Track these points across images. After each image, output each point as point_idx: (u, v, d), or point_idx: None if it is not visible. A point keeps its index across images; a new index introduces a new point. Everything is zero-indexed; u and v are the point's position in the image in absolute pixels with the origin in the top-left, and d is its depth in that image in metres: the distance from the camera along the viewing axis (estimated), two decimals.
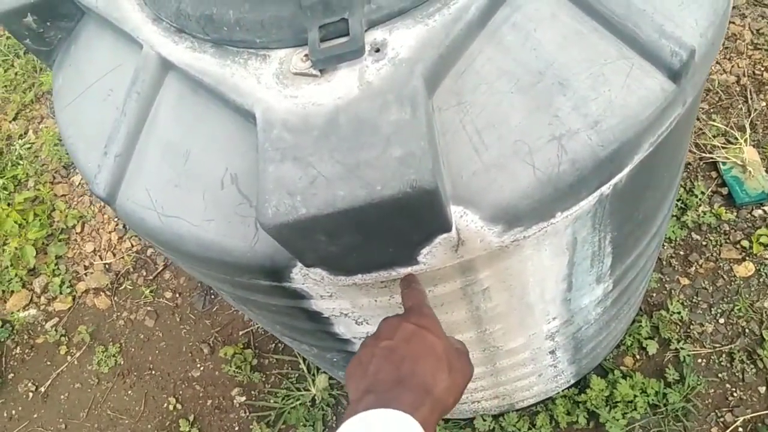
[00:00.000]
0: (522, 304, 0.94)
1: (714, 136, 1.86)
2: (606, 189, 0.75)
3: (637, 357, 1.63)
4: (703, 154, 1.83)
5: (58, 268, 2.35)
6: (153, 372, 2.07)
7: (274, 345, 1.98)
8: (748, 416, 1.50)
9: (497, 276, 0.83)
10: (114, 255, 2.33)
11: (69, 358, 2.18)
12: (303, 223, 0.61)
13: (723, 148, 1.82)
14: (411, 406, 0.58)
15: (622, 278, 1.13)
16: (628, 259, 1.06)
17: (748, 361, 1.57)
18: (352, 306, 0.86)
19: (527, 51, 0.70)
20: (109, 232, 2.37)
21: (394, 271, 0.74)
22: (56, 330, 2.23)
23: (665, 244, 1.74)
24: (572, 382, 1.55)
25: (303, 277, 0.76)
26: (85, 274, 2.32)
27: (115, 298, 2.25)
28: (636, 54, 0.70)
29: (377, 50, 0.69)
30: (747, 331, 1.61)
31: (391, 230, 0.65)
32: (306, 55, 0.70)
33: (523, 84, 0.69)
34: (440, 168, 0.65)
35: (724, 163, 1.79)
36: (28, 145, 2.70)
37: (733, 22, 2.13)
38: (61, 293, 2.30)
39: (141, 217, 0.82)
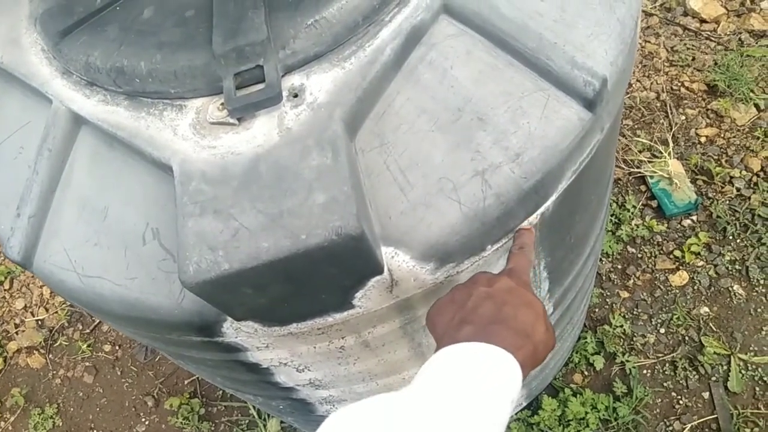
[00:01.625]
0: None
1: (640, 151, 1.93)
2: (533, 219, 0.75)
3: (586, 373, 1.65)
4: (632, 169, 1.90)
5: None
6: (95, 431, 1.96)
7: (221, 392, 1.91)
8: (695, 422, 1.53)
9: None
10: (47, 310, 2.22)
11: (2, 423, 2.04)
12: (227, 278, 0.59)
13: (649, 162, 1.88)
14: (513, 346, 0.54)
15: (562, 300, 1.14)
16: (565, 281, 1.07)
17: (690, 368, 1.61)
18: (290, 355, 0.83)
19: (445, 88, 0.70)
20: (41, 287, 2.26)
21: (330, 317, 0.72)
22: None
23: (603, 259, 1.78)
24: (524, 404, 1.56)
25: (235, 331, 0.73)
26: (16, 333, 2.20)
27: (50, 355, 2.13)
28: (551, 85, 0.72)
29: (295, 95, 0.68)
30: (687, 338, 1.65)
31: (320, 278, 0.64)
32: (222, 104, 0.68)
33: (443, 121, 0.69)
34: (367, 211, 0.64)
35: (651, 177, 1.86)
36: None
37: (649, 41, 2.23)
38: None
39: (60, 278, 0.77)
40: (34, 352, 2.15)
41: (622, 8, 0.77)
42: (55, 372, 2.09)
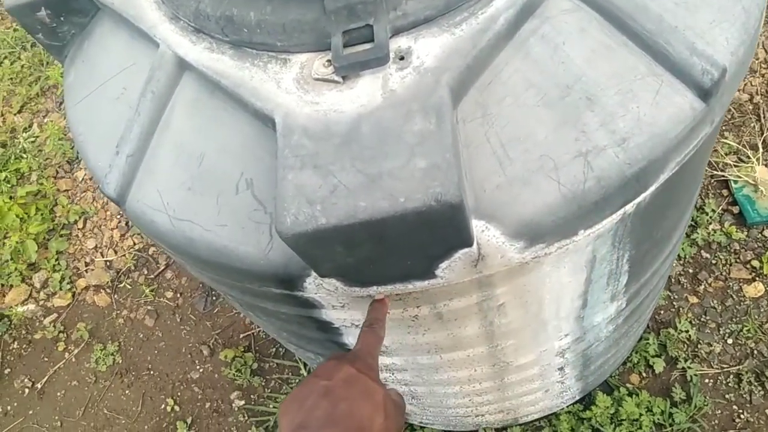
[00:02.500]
0: (536, 320, 0.93)
1: (726, 154, 1.84)
2: (630, 207, 0.73)
3: (644, 375, 1.61)
4: (715, 172, 1.82)
5: (58, 264, 2.33)
6: (151, 372, 2.04)
7: (275, 349, 1.95)
8: None
9: (514, 292, 0.81)
10: (116, 252, 2.31)
11: (67, 355, 2.16)
12: (322, 233, 0.60)
13: (735, 166, 1.80)
14: None
15: (636, 296, 1.11)
16: (643, 278, 1.04)
17: (756, 383, 1.55)
18: (363, 317, 0.84)
19: (555, 64, 0.68)
20: (112, 229, 2.35)
21: (411, 284, 0.72)
22: (54, 326, 2.21)
23: (675, 261, 1.72)
24: (578, 398, 1.53)
25: (317, 287, 0.74)
26: (86, 271, 2.30)
27: (115, 296, 2.23)
28: (666, 71, 0.69)
29: (402, 58, 0.67)
30: (755, 352, 1.59)
31: (411, 243, 0.63)
32: (328, 61, 0.68)
33: (550, 98, 0.67)
34: (464, 182, 0.63)
35: (735, 182, 1.77)
36: (32, 139, 2.68)
37: None
38: (60, 289, 2.27)
39: (151, 219, 0.80)
40: (101, 291, 2.25)
41: None
42: (118, 312, 2.19)
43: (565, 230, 0.69)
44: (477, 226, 0.66)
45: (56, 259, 2.34)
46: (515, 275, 0.76)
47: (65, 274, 2.30)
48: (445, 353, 0.98)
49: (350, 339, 0.93)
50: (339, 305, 0.80)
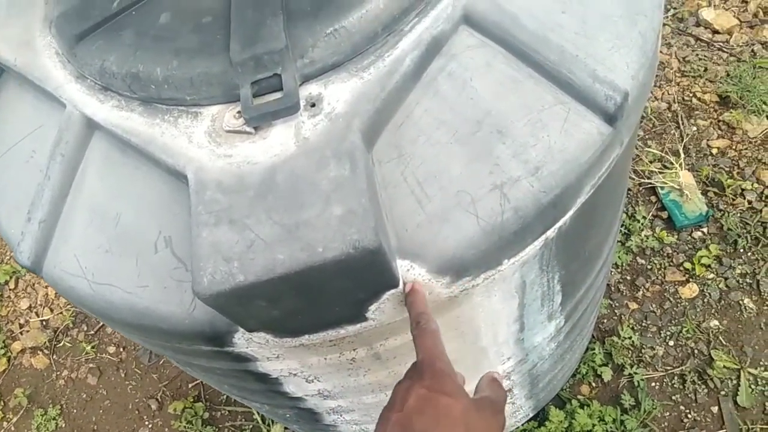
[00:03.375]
0: (475, 348, 0.93)
1: (651, 162, 1.92)
2: (551, 233, 0.74)
3: (593, 384, 1.63)
4: (642, 180, 1.88)
5: None
6: None
7: (226, 397, 1.90)
8: None
9: (449, 324, 0.81)
10: (51, 311, 2.21)
11: (5, 424, 2.04)
12: (242, 290, 0.58)
13: (660, 173, 1.87)
14: None
15: (573, 312, 1.13)
16: (578, 294, 1.06)
17: (699, 382, 1.59)
18: (301, 366, 0.82)
19: (464, 100, 0.69)
20: (45, 287, 2.26)
21: (343, 329, 0.71)
22: None
23: (612, 269, 1.77)
24: (531, 415, 1.54)
25: (246, 342, 0.72)
26: (21, 333, 2.19)
27: (54, 356, 2.13)
28: (572, 99, 0.71)
29: (313, 105, 0.67)
30: (696, 351, 1.64)
31: (335, 291, 0.63)
32: (239, 112, 0.67)
33: (461, 134, 0.68)
34: (384, 224, 0.63)
35: (662, 188, 1.84)
36: None
37: (661, 51, 2.22)
38: None
39: (70, 285, 0.77)
40: (38, 352, 2.15)
41: (644, 22, 0.76)
42: (58, 373, 2.09)
43: (489, 261, 0.70)
44: (402, 265, 0.66)
45: None
46: (447, 308, 0.77)
47: None
48: (389, 390, 0.96)
49: (291, 387, 0.91)
50: (273, 356, 0.78)
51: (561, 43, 0.71)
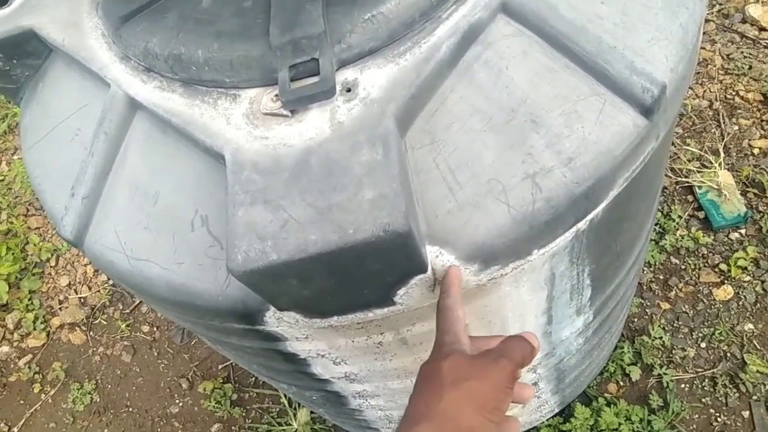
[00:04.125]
0: None
1: (689, 161, 1.88)
2: (582, 225, 0.74)
3: (621, 383, 1.62)
4: (679, 179, 1.85)
5: (31, 303, 2.29)
6: (130, 409, 2.01)
7: (254, 379, 1.94)
8: None
9: (476, 313, 0.82)
10: (89, 288, 2.28)
11: (43, 396, 2.11)
12: (274, 268, 0.60)
13: (698, 172, 1.83)
14: None
15: (603, 308, 1.12)
16: (608, 290, 1.05)
17: (730, 386, 1.56)
18: (328, 347, 0.84)
19: (499, 89, 0.70)
20: (85, 265, 2.33)
21: (371, 312, 0.72)
22: (30, 367, 2.17)
23: (645, 268, 1.75)
24: (556, 410, 1.54)
25: (277, 321, 0.74)
26: (60, 309, 2.27)
27: (91, 333, 2.19)
28: (608, 90, 0.70)
29: (348, 90, 0.68)
30: (728, 355, 1.61)
31: (365, 273, 0.64)
32: (276, 95, 0.69)
33: (495, 122, 0.69)
34: (414, 209, 0.64)
35: (699, 187, 1.81)
36: (1, 177, 2.65)
37: (704, 48, 2.17)
38: (34, 329, 2.24)
39: (110, 259, 0.79)
40: (76, 328, 2.22)
41: (684, 14, 0.75)
42: (95, 349, 2.16)
43: (519, 251, 0.70)
44: (431, 251, 0.67)
45: (29, 299, 2.30)
46: (474, 297, 0.77)
47: (39, 313, 2.26)
48: (414, 377, 0.97)
49: (318, 369, 0.93)
50: (302, 336, 0.80)
51: (599, 33, 0.70)
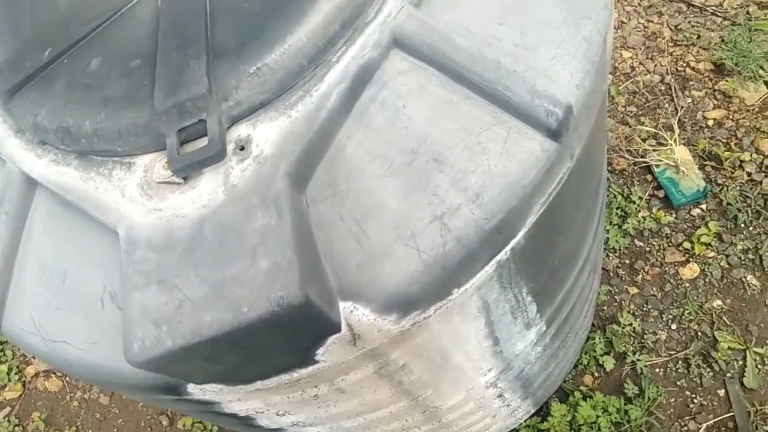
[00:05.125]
0: (448, 368, 0.91)
1: (644, 140, 1.86)
2: (503, 255, 0.72)
3: (596, 374, 1.61)
4: (637, 159, 1.83)
5: (3, 355, 2.25)
6: None
7: None
8: (711, 422, 1.49)
9: (411, 352, 0.79)
10: None
11: None
12: (172, 354, 0.57)
13: (654, 150, 1.82)
14: None
15: (557, 315, 1.10)
16: (556, 299, 1.03)
17: (704, 365, 1.56)
18: (265, 405, 0.81)
19: (398, 130, 0.67)
20: None
21: (295, 372, 0.70)
22: (9, 420, 2.13)
23: (610, 254, 1.74)
24: (532, 411, 1.53)
25: (201, 391, 0.71)
26: (33, 357, 2.23)
27: (67, 378, 2.16)
28: (512, 117, 0.68)
29: (242, 148, 0.65)
30: (699, 334, 1.60)
31: (273, 344, 0.61)
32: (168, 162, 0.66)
33: (396, 165, 0.66)
34: (317, 272, 0.61)
35: (657, 166, 1.79)
36: None
37: (652, 21, 2.15)
38: (9, 380, 2.20)
39: (27, 342, 0.76)
40: (52, 375, 2.18)
41: (588, 25, 0.73)
42: (72, 394, 2.12)
43: (437, 294, 0.68)
44: (344, 307, 0.64)
45: (1, 351, 2.26)
46: (404, 341, 0.75)
47: (12, 364, 2.22)
48: (367, 414, 0.96)
49: (265, 422, 0.91)
50: (235, 399, 0.78)
51: (498, 58, 0.68)
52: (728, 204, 1.71)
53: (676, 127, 1.84)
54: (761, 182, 1.72)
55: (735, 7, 2.11)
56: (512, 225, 0.69)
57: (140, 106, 0.66)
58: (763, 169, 1.74)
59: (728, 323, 1.59)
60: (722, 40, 2.02)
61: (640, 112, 1.95)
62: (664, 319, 1.63)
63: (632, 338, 1.62)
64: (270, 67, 0.64)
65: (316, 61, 0.66)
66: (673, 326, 1.62)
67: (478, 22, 0.70)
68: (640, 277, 1.69)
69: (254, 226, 0.60)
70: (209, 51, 0.67)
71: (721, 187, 1.75)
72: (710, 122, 1.87)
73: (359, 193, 0.65)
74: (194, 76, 0.65)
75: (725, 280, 1.64)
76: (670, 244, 1.71)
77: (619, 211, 1.77)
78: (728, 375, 1.53)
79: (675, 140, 1.79)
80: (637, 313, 1.64)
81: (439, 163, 0.66)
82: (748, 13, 2.08)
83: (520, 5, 0.72)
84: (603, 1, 0.75)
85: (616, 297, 1.68)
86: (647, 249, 1.72)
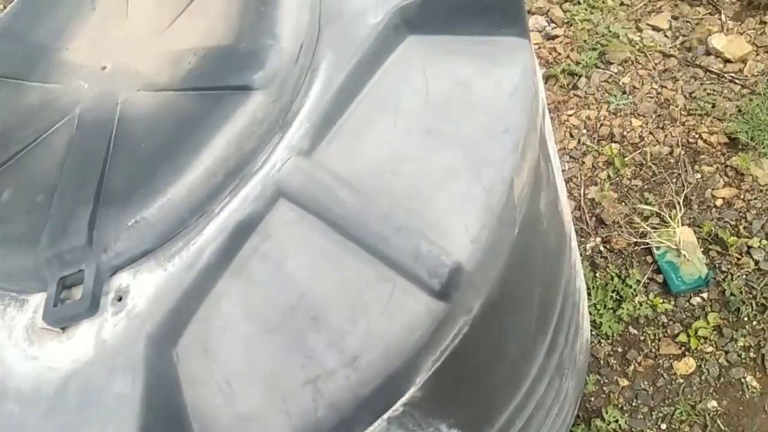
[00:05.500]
0: None
1: (647, 218, 1.78)
2: (395, 410, 0.69)
3: None
4: (638, 240, 1.75)
5: None
6: None
7: None
8: None
9: None
10: None
11: None
12: None
13: (656, 230, 1.73)
14: None
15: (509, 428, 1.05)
16: (497, 421, 0.99)
17: None
18: None
19: (277, 285, 0.65)
20: None
21: None
22: None
23: (603, 341, 1.66)
24: None
25: None
26: None
27: None
28: (397, 275, 0.65)
29: (120, 299, 0.65)
30: None
31: None
32: None
33: (273, 323, 0.64)
34: None
35: (658, 248, 1.71)
36: None
37: (666, 87, 2.07)
38: None
39: None
40: None
41: (489, 173, 0.69)
42: None
43: None
44: None
45: None
46: None
47: None
48: None
49: None
50: None
51: (386, 211, 0.66)
52: (732, 294, 1.61)
53: (681, 205, 1.75)
54: None
55: (756, 74, 2.01)
56: (397, 386, 0.65)
57: (31, 248, 0.67)
58: None
59: (722, 428, 1.48)
60: (739, 111, 1.93)
61: (645, 187, 1.86)
62: (654, 417, 1.53)
63: None
64: (147, 220, 0.64)
65: (199, 211, 0.66)
66: (663, 426, 1.52)
67: (373, 171, 0.69)
68: (631, 368, 1.60)
69: (113, 390, 0.59)
70: (99, 195, 0.67)
71: (725, 274, 1.65)
72: (719, 201, 1.78)
73: (231, 350, 0.64)
74: (77, 226, 0.65)
75: (723, 379, 1.53)
76: (666, 334, 1.62)
77: (614, 295, 1.69)
78: None
79: (678, 221, 1.70)
80: (625, 408, 1.55)
81: (317, 321, 0.64)
82: None
83: (419, 151, 0.70)
84: (511, 144, 0.71)
85: (605, 388, 1.60)
86: (642, 338, 1.64)
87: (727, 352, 1.55)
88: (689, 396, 1.53)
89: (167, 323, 0.62)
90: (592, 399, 1.59)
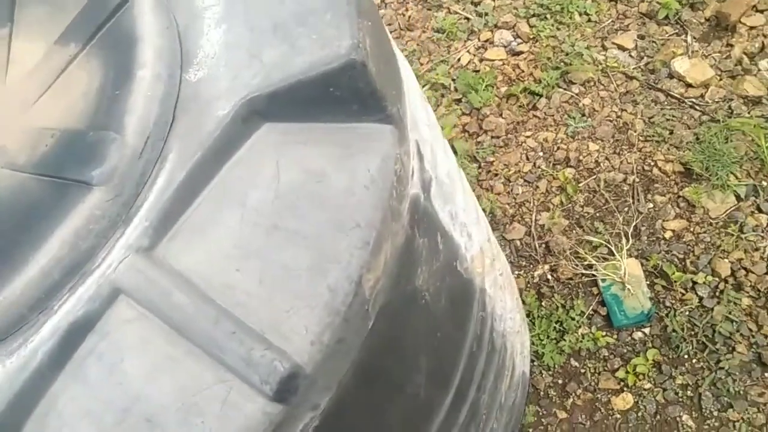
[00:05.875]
0: None
1: (596, 247, 1.77)
2: None
3: None
4: (584, 271, 1.74)
5: None
6: None
7: None
8: None
9: None
10: None
11: None
12: None
13: (602, 261, 1.72)
14: None
15: None
16: None
17: None
18: None
19: (112, 386, 0.65)
20: None
21: None
22: None
23: (544, 371, 1.65)
24: None
25: None
26: None
27: None
28: (235, 377, 0.65)
29: None
30: None
31: None
32: None
33: (107, 425, 0.64)
34: None
35: (603, 280, 1.70)
36: None
37: (625, 110, 2.04)
38: None
39: None
40: None
41: (335, 271, 0.68)
42: None
43: None
44: None
45: None
46: None
47: None
48: None
49: None
50: None
51: (220, 314, 0.65)
52: (673, 331, 1.59)
53: (630, 236, 1.73)
54: (712, 309, 1.60)
55: (717, 100, 1.98)
56: None
57: None
58: (717, 294, 1.62)
59: None
60: (697, 139, 1.90)
61: (597, 215, 1.84)
62: None
63: None
64: None
65: (38, 308, 0.65)
66: None
67: (216, 268, 0.68)
68: (570, 401, 1.60)
69: None
70: None
71: (668, 310, 1.63)
72: (668, 234, 1.75)
73: None
74: None
75: (659, 416, 1.52)
76: (606, 368, 1.61)
77: (557, 326, 1.68)
78: None
79: (623, 254, 1.68)
80: None
81: (151, 424, 0.64)
82: (730, 108, 1.94)
83: (262, 248, 0.69)
84: (360, 241, 0.70)
85: (543, 420, 1.60)
86: (582, 371, 1.63)
87: (664, 390, 1.55)
88: None
89: (4, 420, 0.63)
90: (531, 430, 1.59)
